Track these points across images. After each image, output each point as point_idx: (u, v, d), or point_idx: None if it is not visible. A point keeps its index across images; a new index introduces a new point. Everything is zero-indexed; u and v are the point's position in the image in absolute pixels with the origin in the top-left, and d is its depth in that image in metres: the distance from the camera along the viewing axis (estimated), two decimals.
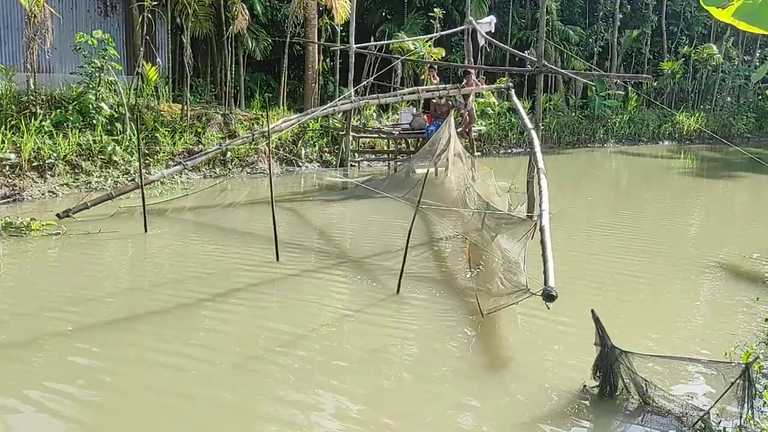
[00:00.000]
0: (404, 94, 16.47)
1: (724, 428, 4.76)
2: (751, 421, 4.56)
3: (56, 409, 5.02)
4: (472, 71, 16.39)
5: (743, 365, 4.58)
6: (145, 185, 10.71)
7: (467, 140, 16.17)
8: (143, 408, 5.11)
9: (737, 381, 4.57)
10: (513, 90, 13.79)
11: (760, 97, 35.05)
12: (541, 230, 7.66)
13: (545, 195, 8.62)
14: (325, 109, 15.68)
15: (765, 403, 4.98)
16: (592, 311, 5.37)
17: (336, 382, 5.56)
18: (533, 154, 10.32)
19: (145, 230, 10.10)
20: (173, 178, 14.07)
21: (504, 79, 22.21)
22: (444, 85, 16.65)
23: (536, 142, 10.62)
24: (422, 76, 21.08)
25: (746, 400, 4.55)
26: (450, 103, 16.33)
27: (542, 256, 7.00)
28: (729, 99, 35.19)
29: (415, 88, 17.27)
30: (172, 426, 4.94)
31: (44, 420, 4.88)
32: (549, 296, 6.28)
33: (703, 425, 4.79)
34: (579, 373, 5.67)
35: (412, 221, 8.03)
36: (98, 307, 7.02)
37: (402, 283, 7.77)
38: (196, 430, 4.88)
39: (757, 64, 35.36)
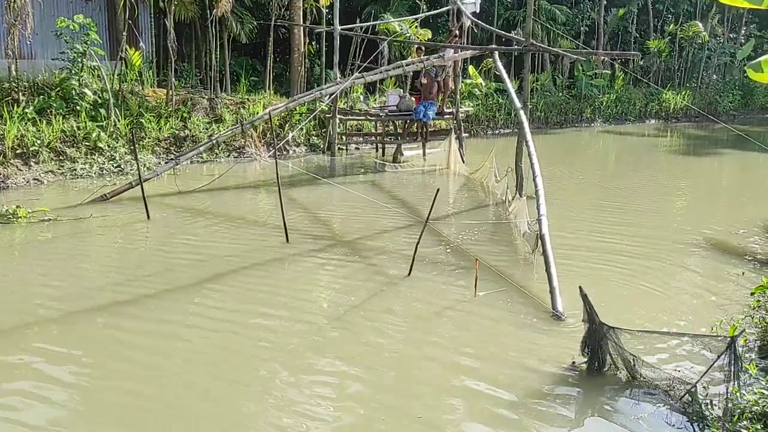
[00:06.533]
0: (388, 70, 16.41)
1: (711, 401, 4.83)
2: (737, 394, 4.62)
3: (43, 397, 5.02)
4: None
5: (729, 339, 4.63)
6: (139, 182, 10.65)
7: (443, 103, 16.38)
8: (127, 398, 5.11)
9: (723, 354, 4.63)
10: (497, 54, 13.71)
11: (745, 75, 35.07)
12: (542, 239, 7.55)
13: (542, 198, 8.46)
14: (311, 94, 15.59)
15: (751, 375, 5.04)
16: (580, 288, 5.40)
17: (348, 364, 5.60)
18: (524, 141, 10.19)
19: (148, 217, 10.09)
20: (159, 164, 13.96)
21: (491, 60, 22.10)
22: (426, 56, 16.50)
23: (526, 126, 10.47)
24: (409, 58, 20.92)
25: (732, 373, 4.61)
26: (438, 83, 16.22)
27: (546, 272, 7.01)
28: (715, 77, 35.18)
29: (399, 63, 17.12)
30: (170, 421, 4.95)
31: (31, 409, 4.87)
32: (558, 319, 6.47)
33: (690, 398, 4.86)
34: (568, 349, 5.72)
35: (422, 233, 7.90)
36: (87, 295, 7.00)
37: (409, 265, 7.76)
38: (196, 427, 4.90)
39: (743, 41, 35.41)
